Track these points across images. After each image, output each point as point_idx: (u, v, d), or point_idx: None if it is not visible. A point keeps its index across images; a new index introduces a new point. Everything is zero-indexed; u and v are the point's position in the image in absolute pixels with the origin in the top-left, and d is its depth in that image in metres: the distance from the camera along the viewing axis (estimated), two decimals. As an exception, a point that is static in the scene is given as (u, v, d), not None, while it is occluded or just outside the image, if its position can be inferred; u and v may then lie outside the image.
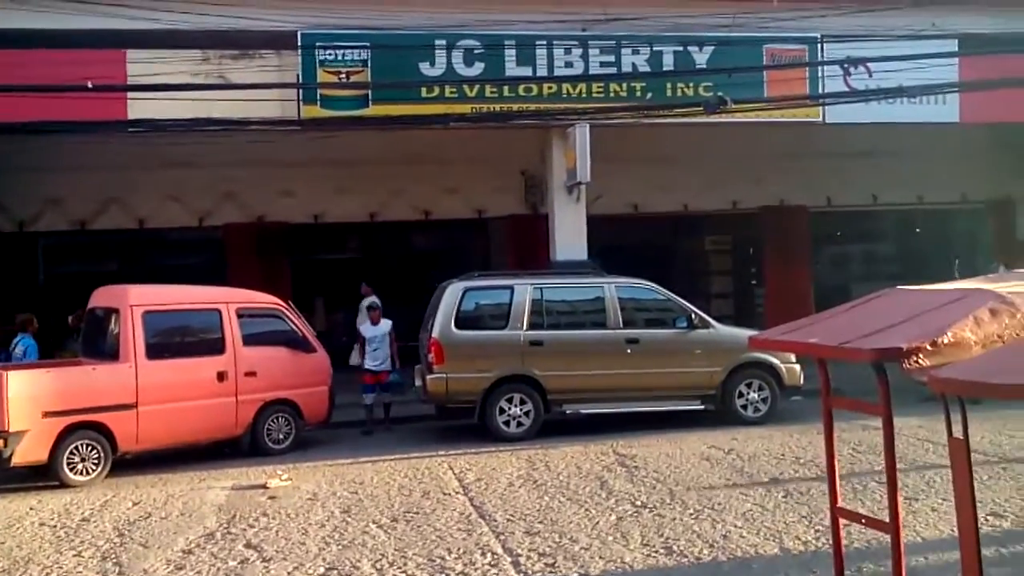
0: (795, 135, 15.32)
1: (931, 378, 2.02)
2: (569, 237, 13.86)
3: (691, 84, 14.03)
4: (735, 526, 6.71)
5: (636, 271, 12.30)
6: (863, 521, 2.72)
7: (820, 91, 14.14)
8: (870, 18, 13.92)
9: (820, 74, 14.17)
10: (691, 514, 7.08)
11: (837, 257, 19.97)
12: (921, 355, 2.10)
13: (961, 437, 2.14)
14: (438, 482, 8.61)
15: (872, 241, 20.45)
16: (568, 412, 11.13)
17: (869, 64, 13.90)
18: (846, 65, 13.88)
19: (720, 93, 13.14)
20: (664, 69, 14.02)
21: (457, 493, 8.14)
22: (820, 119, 14.20)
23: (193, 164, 14.65)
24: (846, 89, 14.03)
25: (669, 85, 14.07)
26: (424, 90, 13.16)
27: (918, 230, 19.87)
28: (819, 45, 14.18)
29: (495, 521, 7.12)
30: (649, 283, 11.67)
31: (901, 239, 20.49)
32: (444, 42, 13.22)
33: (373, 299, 13.24)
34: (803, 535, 6.43)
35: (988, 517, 6.72)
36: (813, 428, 9.83)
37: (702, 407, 11.28)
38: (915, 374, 2.12)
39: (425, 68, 13.19)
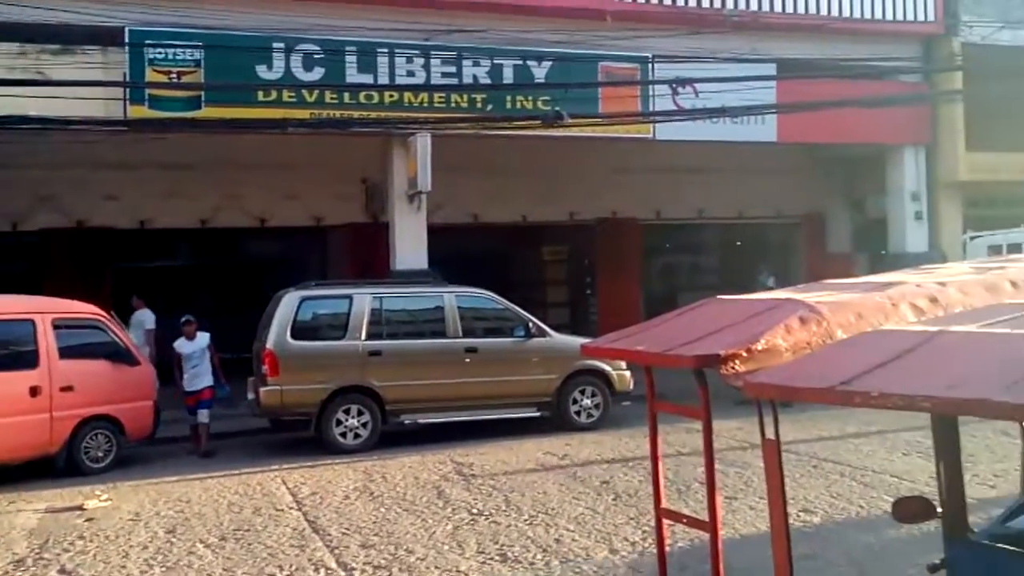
0: (628, 150, 15.90)
1: (746, 383, 2.14)
2: (410, 246, 13.84)
3: (530, 98, 14.34)
4: (567, 530, 6.88)
5: (476, 280, 12.42)
6: (685, 521, 2.84)
7: (651, 108, 14.76)
8: (697, 41, 14.64)
9: (651, 92, 14.79)
10: (526, 520, 7.20)
11: (665, 268, 20.84)
12: (737, 361, 2.22)
13: (773, 438, 2.27)
14: (270, 498, 8.37)
15: (697, 253, 21.46)
16: (407, 422, 11.09)
17: (696, 84, 14.62)
18: (674, 85, 14.56)
19: (557, 108, 13.53)
20: (504, 82, 14.27)
21: (290, 508, 7.94)
22: (651, 135, 14.82)
23: (6, 165, 13.66)
24: (675, 107, 14.71)
25: (509, 98, 14.34)
26: (261, 93, 12.84)
27: (739, 243, 21.00)
28: (650, 65, 14.80)
29: (329, 535, 7.00)
30: (488, 293, 11.81)
31: (724, 251, 21.60)
32: (282, 45, 12.95)
33: (147, 312, 12.88)
34: (631, 536, 6.67)
35: (800, 513, 7.16)
36: (641, 432, 10.19)
37: (538, 414, 11.50)
38: (731, 379, 2.24)
39: (262, 71, 12.88)
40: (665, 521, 3.00)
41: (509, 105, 14.26)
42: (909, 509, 3.12)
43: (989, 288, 2.63)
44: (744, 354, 2.19)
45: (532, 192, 17.19)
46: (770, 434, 2.23)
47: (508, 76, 14.27)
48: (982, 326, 2.05)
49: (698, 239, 21.09)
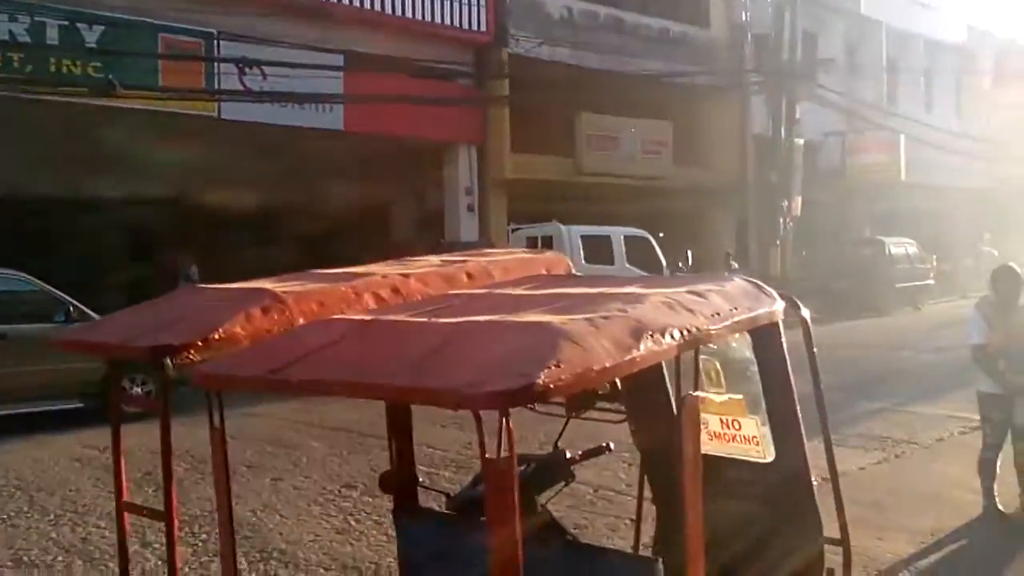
0: (195, 127, 15.19)
1: (195, 373, 2.18)
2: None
3: (79, 62, 13.18)
4: (97, 527, 6.53)
5: (15, 261, 11.13)
6: (145, 513, 2.79)
7: (216, 87, 14.35)
8: (265, 24, 14.50)
9: (216, 70, 14.38)
10: (50, 520, 6.70)
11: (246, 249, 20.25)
12: (192, 351, 2.23)
13: (219, 427, 2.29)
14: None
15: (275, 238, 21.15)
16: (-86, 419, 9.67)
17: (264, 67, 14.51)
18: (241, 65, 14.31)
19: (110, 76, 12.63)
20: (48, 43, 12.97)
21: None
22: (216, 114, 14.39)
23: None
24: (241, 88, 14.46)
25: (54, 60, 13.05)
26: None
27: (320, 227, 21.03)
28: (216, 41, 14.38)
29: None
30: (20, 274, 10.67)
31: (298, 235, 21.54)
32: None
33: None
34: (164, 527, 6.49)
35: (342, 489, 7.51)
36: (198, 419, 9.92)
37: (82, 405, 10.68)
38: (186, 370, 2.25)
39: None
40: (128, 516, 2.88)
41: (54, 68, 12.98)
42: (391, 481, 3.35)
43: (447, 279, 2.97)
44: (200, 344, 2.23)
45: (87, 165, 15.73)
46: (217, 423, 2.29)
47: (52, 37, 12.98)
48: (413, 314, 2.31)
49: (270, 224, 20.82)
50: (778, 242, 22.21)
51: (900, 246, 24.14)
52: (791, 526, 2.87)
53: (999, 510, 6.56)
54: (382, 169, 19.74)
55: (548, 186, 19.35)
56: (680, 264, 17.79)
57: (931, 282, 24.86)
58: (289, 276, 2.98)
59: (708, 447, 3.24)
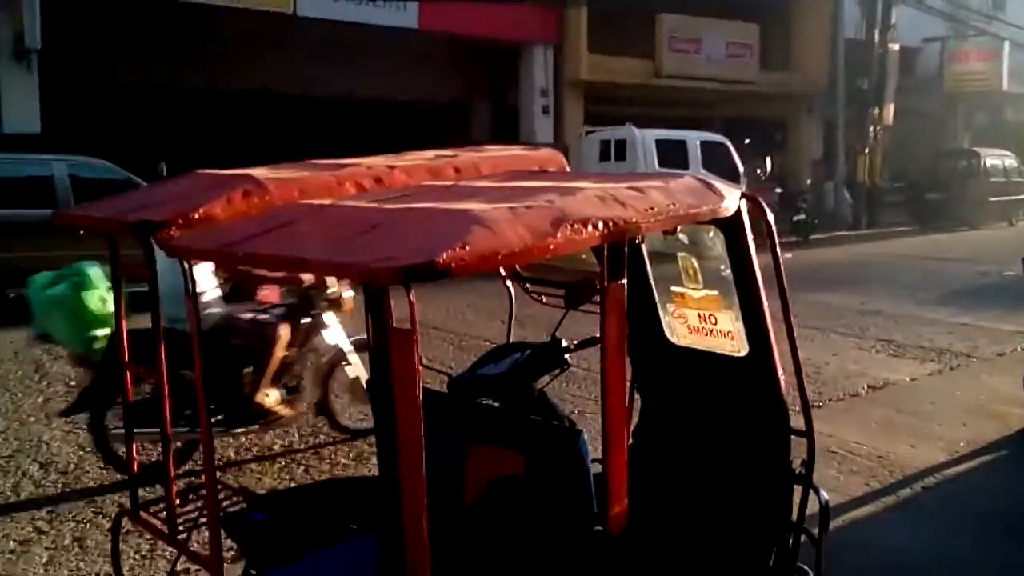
0: (270, 23, 15.35)
1: (168, 245, 2.35)
2: (18, 109, 12.65)
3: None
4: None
5: (107, 150, 11.63)
6: None
7: (294, -17, 14.45)
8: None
9: (294, -34, 14.46)
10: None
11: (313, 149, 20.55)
12: (173, 228, 2.39)
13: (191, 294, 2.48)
14: None
15: (351, 133, 21.43)
16: (12, 296, 10.28)
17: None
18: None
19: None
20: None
21: None
22: (291, 10, 14.49)
23: None
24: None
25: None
26: None
27: (392, 126, 21.27)
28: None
29: None
30: (105, 162, 11.14)
31: (377, 133, 21.75)
32: None
33: None
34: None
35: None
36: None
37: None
38: (163, 242, 2.36)
39: None
40: None
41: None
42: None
43: (433, 172, 3.03)
44: (180, 221, 2.39)
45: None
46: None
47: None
48: (369, 201, 2.40)
49: (351, 119, 21.04)
50: (867, 150, 21.41)
51: (997, 158, 23.03)
52: (760, 417, 2.96)
53: (1041, 424, 6.49)
54: (459, 68, 19.65)
55: (626, 89, 18.99)
56: (759, 171, 17.38)
57: (1027, 197, 23.77)
58: (286, 165, 3.09)
59: (688, 340, 3.33)
